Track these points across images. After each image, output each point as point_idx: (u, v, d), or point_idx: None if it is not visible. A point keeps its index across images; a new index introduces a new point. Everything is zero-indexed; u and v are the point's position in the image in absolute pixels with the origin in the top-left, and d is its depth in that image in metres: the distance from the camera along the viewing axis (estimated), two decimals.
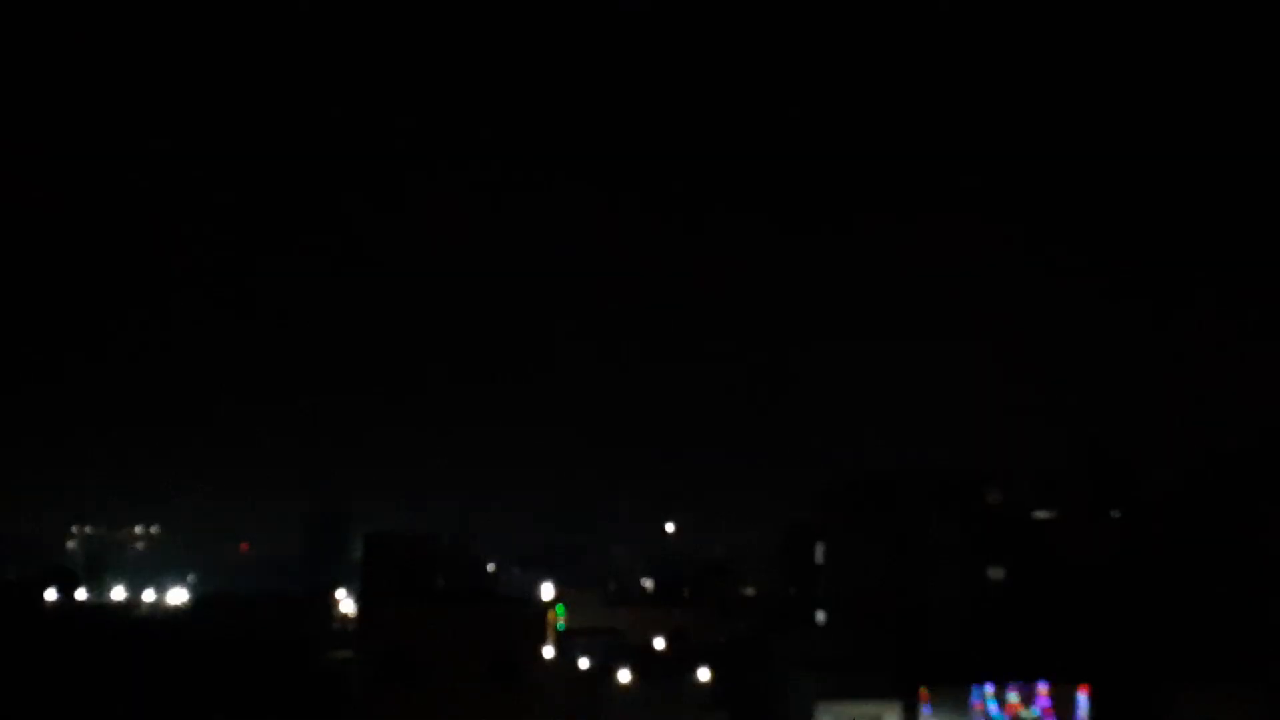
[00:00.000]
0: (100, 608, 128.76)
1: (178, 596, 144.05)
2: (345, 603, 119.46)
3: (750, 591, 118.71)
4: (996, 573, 68.63)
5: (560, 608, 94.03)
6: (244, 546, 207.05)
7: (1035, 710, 60.48)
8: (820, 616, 77.42)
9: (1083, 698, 61.24)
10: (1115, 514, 74.24)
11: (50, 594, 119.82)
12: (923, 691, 59.63)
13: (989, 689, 60.30)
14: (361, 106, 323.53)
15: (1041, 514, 73.66)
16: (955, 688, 60.43)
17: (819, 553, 78.49)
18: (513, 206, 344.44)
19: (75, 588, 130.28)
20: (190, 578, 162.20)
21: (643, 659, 73.02)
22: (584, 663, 72.42)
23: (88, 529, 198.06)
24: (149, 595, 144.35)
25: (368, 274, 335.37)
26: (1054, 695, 61.11)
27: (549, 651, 72.45)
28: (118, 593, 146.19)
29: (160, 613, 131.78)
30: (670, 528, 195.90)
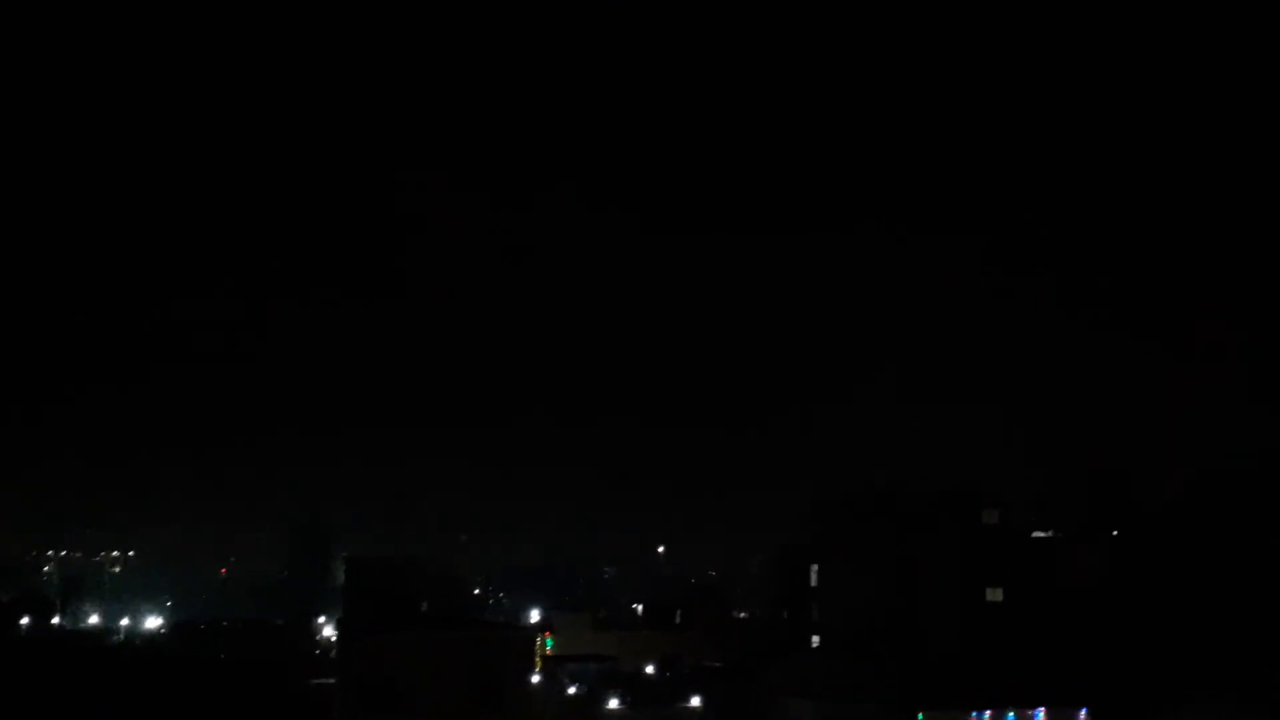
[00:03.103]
0: (76, 634, 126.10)
1: (154, 622, 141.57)
2: (327, 627, 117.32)
3: (743, 615, 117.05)
4: (995, 594, 67.13)
5: (549, 634, 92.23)
6: (223, 571, 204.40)
7: None
8: (815, 640, 75.72)
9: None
10: (1114, 533, 73.05)
11: (24, 620, 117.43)
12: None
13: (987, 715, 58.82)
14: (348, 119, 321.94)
15: (1040, 534, 72.34)
16: (954, 713, 58.87)
17: (813, 575, 76.85)
18: (496, 226, 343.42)
19: (50, 614, 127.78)
20: (168, 603, 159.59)
21: (633, 685, 71.23)
22: (573, 689, 70.62)
23: (63, 554, 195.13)
24: (125, 621, 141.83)
25: (353, 301, 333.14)
26: (1053, 718, 59.68)
27: (536, 678, 70.65)
28: (93, 619, 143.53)
29: (137, 638, 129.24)
30: (661, 550, 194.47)
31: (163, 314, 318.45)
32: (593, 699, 67.38)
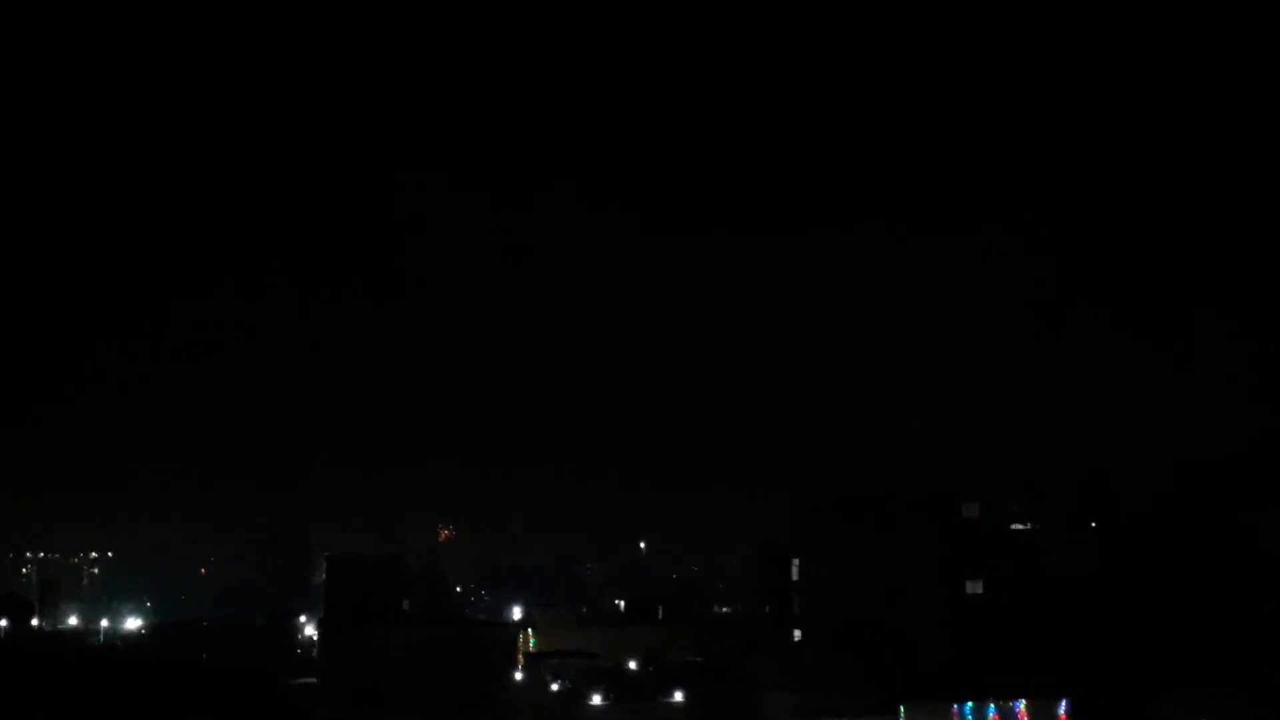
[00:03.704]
0: (55, 635, 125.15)
1: (134, 623, 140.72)
2: (308, 627, 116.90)
3: (725, 610, 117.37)
4: (975, 586, 67.58)
5: (531, 631, 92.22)
6: (203, 571, 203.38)
7: None
8: (797, 634, 76.05)
9: (1063, 711, 60.32)
10: (1094, 525, 73.64)
11: (2, 622, 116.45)
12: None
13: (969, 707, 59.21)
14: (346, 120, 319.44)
15: (1020, 526, 72.87)
16: (936, 704, 59.27)
17: (794, 569, 77.14)
18: (496, 226, 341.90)
19: (29, 616, 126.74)
20: (147, 604, 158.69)
21: (615, 681, 71.24)
22: (555, 686, 70.58)
23: (42, 555, 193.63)
24: (105, 622, 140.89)
25: (353, 301, 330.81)
26: (1033, 709, 60.13)
27: (519, 675, 70.65)
28: (72, 620, 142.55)
29: (117, 640, 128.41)
30: (643, 546, 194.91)
31: (163, 314, 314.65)
32: (576, 695, 67.35)
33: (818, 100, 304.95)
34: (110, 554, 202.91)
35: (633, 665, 79.55)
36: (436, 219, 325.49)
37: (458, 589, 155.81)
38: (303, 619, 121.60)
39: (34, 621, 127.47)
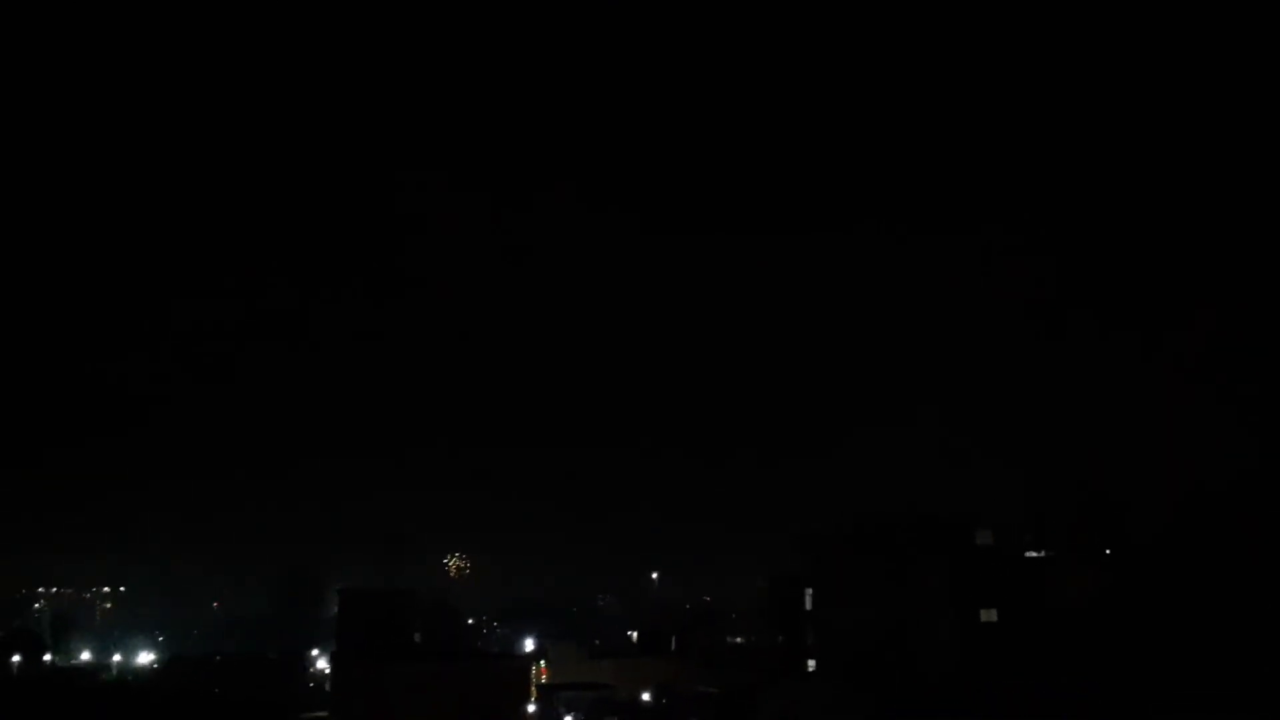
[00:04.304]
0: (67, 671, 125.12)
1: (147, 658, 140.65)
2: (320, 660, 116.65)
3: (738, 640, 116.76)
4: (989, 615, 67.18)
5: (544, 663, 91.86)
6: (215, 605, 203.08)
7: None
8: (810, 665, 75.62)
9: None
10: (1107, 551, 73.26)
11: (15, 659, 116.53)
12: None
13: None
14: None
15: (1034, 554, 72.52)
16: None
17: (808, 600, 76.76)
18: (497, 226, 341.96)
19: (42, 652, 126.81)
20: (160, 638, 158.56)
21: (629, 713, 70.98)
22: (568, 718, 70.35)
23: (54, 590, 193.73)
24: (117, 657, 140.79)
25: (351, 303, 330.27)
26: None
27: (532, 708, 70.45)
28: (85, 655, 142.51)
29: (129, 675, 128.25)
30: (655, 576, 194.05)
31: (162, 317, 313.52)
32: None
33: (817, 100, 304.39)
34: (122, 589, 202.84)
35: (646, 697, 79.11)
36: (436, 219, 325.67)
37: (469, 621, 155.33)
38: (315, 653, 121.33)
39: (46, 657, 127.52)
